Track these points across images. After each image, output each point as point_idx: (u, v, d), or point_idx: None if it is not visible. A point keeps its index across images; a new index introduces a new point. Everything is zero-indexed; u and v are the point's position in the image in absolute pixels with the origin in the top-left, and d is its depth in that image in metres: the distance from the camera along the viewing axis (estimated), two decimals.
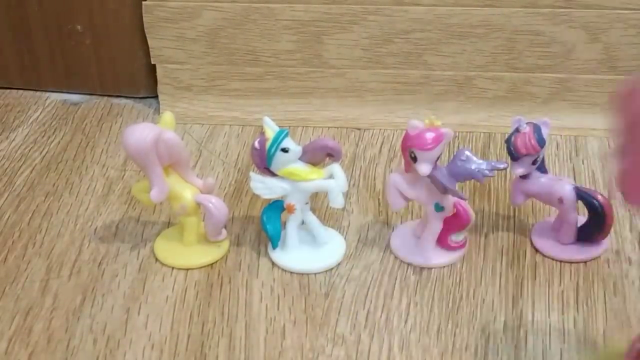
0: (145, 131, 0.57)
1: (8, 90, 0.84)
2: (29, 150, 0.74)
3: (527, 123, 0.58)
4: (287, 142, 0.58)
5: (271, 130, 0.58)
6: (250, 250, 0.62)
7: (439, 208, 0.58)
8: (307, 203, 0.61)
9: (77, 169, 0.72)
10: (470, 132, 0.75)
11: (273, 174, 0.59)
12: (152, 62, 0.78)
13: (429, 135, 0.55)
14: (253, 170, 0.60)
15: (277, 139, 0.57)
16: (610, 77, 0.74)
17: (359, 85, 0.77)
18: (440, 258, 0.60)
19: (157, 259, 0.61)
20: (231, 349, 0.54)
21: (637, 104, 0.40)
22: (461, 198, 0.58)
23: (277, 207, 0.61)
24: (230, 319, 0.56)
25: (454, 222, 0.59)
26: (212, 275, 0.60)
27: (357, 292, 0.58)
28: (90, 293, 0.58)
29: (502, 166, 0.57)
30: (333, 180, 0.59)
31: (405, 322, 0.55)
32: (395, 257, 0.61)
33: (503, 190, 0.67)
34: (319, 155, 0.60)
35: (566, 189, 0.59)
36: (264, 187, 0.59)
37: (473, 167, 0.56)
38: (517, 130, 0.58)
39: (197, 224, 0.61)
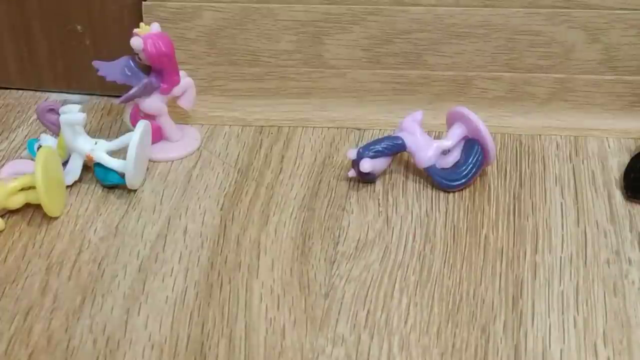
0: None
1: (8, 90, 0.84)
2: None
3: None
4: None
5: None
6: (250, 250, 0.62)
7: None
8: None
9: None
10: None
11: None
12: None
13: None
14: None
15: None
16: (610, 77, 0.74)
17: (358, 85, 0.77)
18: None
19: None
20: (231, 349, 0.54)
21: None
22: None
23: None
24: (230, 319, 0.56)
25: None
26: (212, 275, 0.60)
27: (357, 292, 0.58)
28: (90, 293, 0.58)
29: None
30: None
31: (405, 322, 0.55)
32: (395, 257, 0.61)
33: (503, 190, 0.67)
34: None
35: None
36: None
37: None
38: None
39: None
